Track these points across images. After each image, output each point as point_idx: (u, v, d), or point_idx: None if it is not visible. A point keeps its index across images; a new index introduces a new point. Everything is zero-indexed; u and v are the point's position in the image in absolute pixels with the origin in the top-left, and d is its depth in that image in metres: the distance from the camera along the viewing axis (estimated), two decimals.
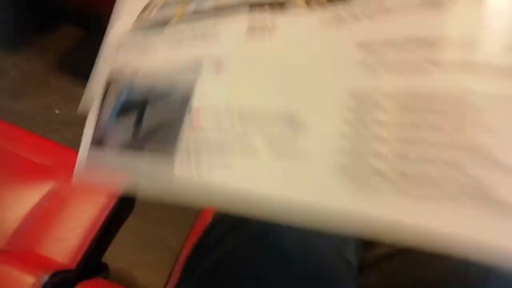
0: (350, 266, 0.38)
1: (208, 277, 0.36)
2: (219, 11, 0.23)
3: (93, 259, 0.64)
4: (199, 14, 0.24)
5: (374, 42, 0.18)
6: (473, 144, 0.16)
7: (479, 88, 0.16)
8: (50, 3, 1.44)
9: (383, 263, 0.41)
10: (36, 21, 1.51)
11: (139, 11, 0.27)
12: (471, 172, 0.16)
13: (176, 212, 1.19)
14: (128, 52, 0.26)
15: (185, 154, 0.19)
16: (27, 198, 0.64)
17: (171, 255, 0.48)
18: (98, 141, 0.24)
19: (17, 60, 1.41)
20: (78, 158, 0.26)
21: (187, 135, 0.20)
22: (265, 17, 0.21)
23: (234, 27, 0.22)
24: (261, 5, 0.21)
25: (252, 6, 0.22)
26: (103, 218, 0.65)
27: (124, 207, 0.70)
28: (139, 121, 0.22)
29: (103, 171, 0.24)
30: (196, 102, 0.20)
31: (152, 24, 0.26)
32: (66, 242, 0.61)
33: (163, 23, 0.25)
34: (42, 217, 0.63)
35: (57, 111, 1.31)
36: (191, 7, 0.24)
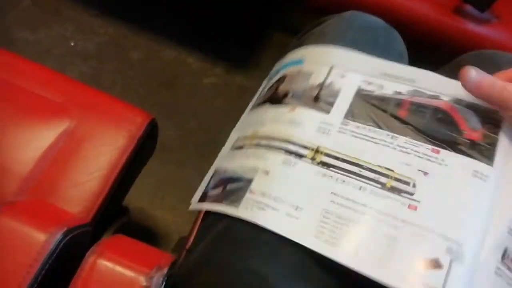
0: None
1: (220, 239, 0.42)
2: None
3: (113, 204, 0.60)
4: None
5: None
6: None
7: None
8: None
9: None
10: None
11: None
12: None
13: (196, 153, 1.14)
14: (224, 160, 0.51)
15: (244, 204, 0.42)
16: (40, 139, 0.58)
17: (191, 195, 0.48)
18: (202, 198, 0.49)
19: None
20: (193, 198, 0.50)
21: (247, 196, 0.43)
22: (291, 159, 0.46)
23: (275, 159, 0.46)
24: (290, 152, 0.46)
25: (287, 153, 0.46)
26: (123, 160, 0.59)
27: (145, 148, 0.64)
28: (224, 189, 0.46)
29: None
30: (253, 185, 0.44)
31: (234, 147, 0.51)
32: (83, 186, 0.57)
33: (238, 147, 0.50)
34: (56, 160, 0.58)
35: (72, 43, 1.22)
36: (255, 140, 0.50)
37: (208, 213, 0.46)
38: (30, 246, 0.39)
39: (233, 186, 0.44)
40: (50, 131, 0.59)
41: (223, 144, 0.51)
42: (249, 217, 0.40)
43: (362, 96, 0.47)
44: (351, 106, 0.46)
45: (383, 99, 0.46)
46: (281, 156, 0.44)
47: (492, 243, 0.37)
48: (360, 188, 0.41)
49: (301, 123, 0.46)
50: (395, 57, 0.54)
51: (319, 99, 0.48)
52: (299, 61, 0.53)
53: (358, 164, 0.42)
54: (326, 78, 0.50)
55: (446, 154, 0.42)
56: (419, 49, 0.69)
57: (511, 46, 0.87)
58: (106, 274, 0.39)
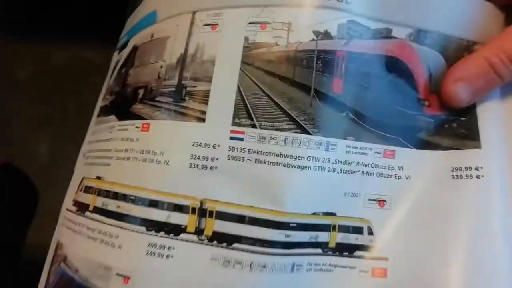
0: None
1: None
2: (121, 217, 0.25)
3: None
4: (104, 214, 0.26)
5: None
6: None
7: None
8: None
9: None
10: None
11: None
12: None
13: None
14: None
15: None
16: None
17: None
18: None
19: None
20: None
21: None
22: (164, 240, 0.24)
23: (135, 244, 0.24)
24: (159, 228, 0.24)
25: (150, 228, 0.24)
26: None
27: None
28: None
29: None
30: None
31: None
32: None
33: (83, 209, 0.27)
34: None
35: None
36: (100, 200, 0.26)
37: None
38: None
39: None
40: None
41: None
42: None
43: (254, 60, 0.25)
44: (240, 92, 0.25)
45: (296, 59, 0.25)
46: (144, 240, 0.25)
47: None
48: (293, 268, 0.24)
49: (163, 153, 0.25)
50: None
51: (182, 92, 0.26)
52: (151, 17, 0.27)
53: (283, 223, 0.24)
54: (188, 39, 0.26)
55: (406, 155, 0.25)
56: None
57: None
58: None
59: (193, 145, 0.24)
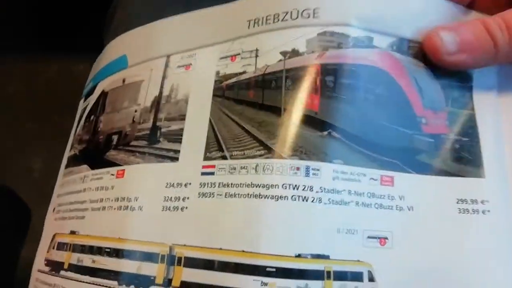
0: None
1: None
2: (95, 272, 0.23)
3: None
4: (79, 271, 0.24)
5: None
6: None
7: None
8: None
9: None
10: None
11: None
12: None
13: None
14: None
15: None
16: None
17: None
18: None
19: None
20: None
21: None
22: None
23: None
24: (130, 281, 0.22)
25: (121, 282, 0.22)
26: None
27: None
28: None
29: None
30: None
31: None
32: None
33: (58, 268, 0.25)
34: None
35: None
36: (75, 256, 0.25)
37: None
38: None
39: None
40: None
41: None
42: None
43: (224, 92, 0.24)
44: (211, 125, 0.23)
45: (264, 82, 0.23)
46: None
47: None
48: None
49: (138, 198, 0.23)
50: None
51: (157, 134, 0.25)
52: (122, 62, 0.29)
53: (258, 268, 0.20)
54: (163, 81, 0.25)
55: (406, 181, 0.20)
56: None
57: None
58: None
59: (166, 187, 0.23)
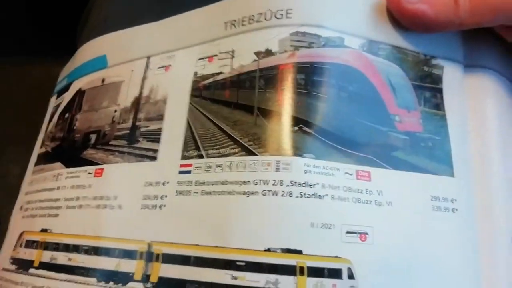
0: None
1: None
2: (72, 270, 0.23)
3: None
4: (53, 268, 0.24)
5: None
6: None
7: None
8: None
9: None
10: None
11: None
12: None
13: None
14: None
15: None
16: None
17: None
18: None
19: None
20: None
21: None
22: None
23: None
24: (108, 278, 0.22)
25: (100, 279, 0.22)
26: None
27: None
28: None
29: None
30: None
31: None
32: None
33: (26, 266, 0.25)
34: None
35: None
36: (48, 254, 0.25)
37: None
38: None
39: None
40: None
41: None
42: None
43: (201, 92, 0.25)
44: (189, 124, 0.23)
45: (239, 82, 0.24)
46: None
47: None
48: None
49: (117, 197, 0.24)
50: None
51: (136, 134, 0.25)
52: (101, 62, 0.29)
53: (229, 262, 0.20)
54: (143, 82, 0.26)
55: (383, 177, 0.21)
56: None
57: None
58: None
59: (145, 185, 0.23)
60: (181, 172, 0.23)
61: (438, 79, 0.23)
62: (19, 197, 0.30)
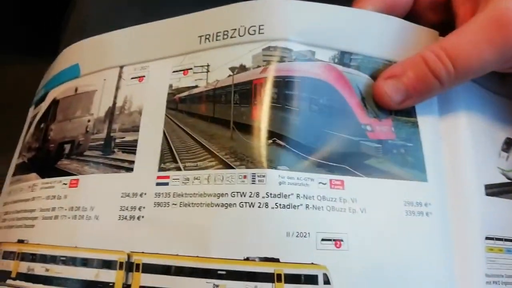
0: None
1: None
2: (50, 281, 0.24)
3: None
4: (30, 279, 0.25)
5: None
6: None
7: None
8: None
9: None
10: None
11: None
12: None
13: None
14: None
15: None
16: None
17: None
18: None
19: None
20: None
21: None
22: None
23: None
24: None
25: None
26: None
27: None
28: None
29: None
30: None
31: None
32: None
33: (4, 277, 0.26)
34: None
35: None
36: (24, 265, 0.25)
37: None
38: None
39: None
40: None
41: None
42: None
43: (178, 105, 0.25)
44: (165, 137, 0.24)
45: (215, 96, 0.25)
46: None
47: None
48: None
49: (93, 208, 0.24)
50: None
51: (111, 145, 0.26)
52: (74, 71, 0.29)
53: (210, 271, 0.22)
54: (116, 92, 0.26)
55: (357, 185, 0.23)
56: None
57: None
58: None
59: (122, 196, 0.24)
60: (158, 184, 0.24)
61: None
62: None
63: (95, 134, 0.27)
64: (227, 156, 0.23)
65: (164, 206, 0.23)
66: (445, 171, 0.24)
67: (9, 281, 0.25)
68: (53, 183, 0.26)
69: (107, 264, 0.23)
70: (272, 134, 0.23)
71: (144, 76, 0.27)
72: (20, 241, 0.26)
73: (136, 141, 0.25)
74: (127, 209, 0.24)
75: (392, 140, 0.24)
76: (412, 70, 0.23)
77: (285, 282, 0.21)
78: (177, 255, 0.22)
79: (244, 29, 0.25)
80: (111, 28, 0.28)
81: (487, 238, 0.24)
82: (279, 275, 0.21)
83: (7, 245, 0.27)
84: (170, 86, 0.26)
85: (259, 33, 0.24)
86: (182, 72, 0.26)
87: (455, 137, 0.25)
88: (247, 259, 0.21)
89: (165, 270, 0.22)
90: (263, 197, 0.22)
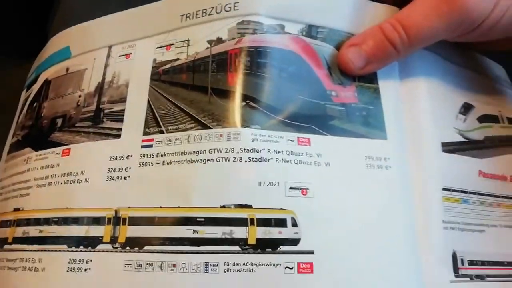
0: None
1: None
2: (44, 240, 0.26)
3: None
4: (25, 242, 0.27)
5: None
6: None
7: None
8: None
9: None
10: None
11: None
12: None
13: None
14: None
15: None
16: None
17: None
18: None
19: None
20: None
21: None
22: (82, 254, 0.25)
23: (57, 263, 0.25)
24: (79, 243, 0.25)
25: (71, 245, 0.25)
26: None
27: None
28: None
29: None
30: None
31: None
32: None
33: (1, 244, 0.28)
34: None
35: None
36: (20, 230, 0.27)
37: None
38: None
39: None
40: None
41: None
42: None
43: (161, 76, 0.28)
44: (150, 105, 0.27)
45: (195, 67, 0.28)
46: (66, 257, 0.26)
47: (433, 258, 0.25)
48: (207, 268, 0.23)
49: (84, 172, 0.27)
50: None
51: (101, 115, 0.29)
52: (65, 52, 0.32)
53: (190, 219, 0.24)
54: (105, 69, 0.29)
55: (322, 142, 0.25)
56: None
57: None
58: None
59: (109, 160, 0.27)
60: (143, 147, 0.27)
61: None
62: None
63: (86, 107, 0.30)
64: (205, 118, 0.26)
65: (149, 166, 0.26)
66: (404, 130, 0.27)
67: (6, 246, 0.28)
68: (46, 154, 0.29)
69: (97, 221, 0.26)
70: (245, 97, 0.26)
71: (131, 54, 0.30)
72: (16, 210, 0.28)
73: (123, 110, 0.28)
74: (114, 171, 0.26)
75: (355, 103, 0.27)
76: (372, 38, 0.27)
77: (258, 226, 0.24)
78: (160, 207, 0.25)
79: (221, 7, 0.28)
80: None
81: (444, 189, 0.27)
82: (252, 220, 0.24)
83: (3, 215, 0.29)
84: (154, 60, 0.29)
85: (233, 9, 0.28)
86: (165, 47, 0.29)
87: (414, 101, 0.28)
88: (223, 206, 0.24)
89: (149, 221, 0.25)
90: (237, 152, 0.25)
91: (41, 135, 0.31)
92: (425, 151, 0.27)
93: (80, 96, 0.30)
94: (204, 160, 0.25)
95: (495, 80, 0.35)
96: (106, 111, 0.29)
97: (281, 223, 0.24)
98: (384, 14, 0.29)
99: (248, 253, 0.23)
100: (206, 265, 0.23)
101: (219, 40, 0.28)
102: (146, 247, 0.24)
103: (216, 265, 0.23)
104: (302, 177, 0.24)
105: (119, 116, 0.28)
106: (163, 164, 0.25)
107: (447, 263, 0.25)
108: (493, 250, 0.28)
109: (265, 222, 0.24)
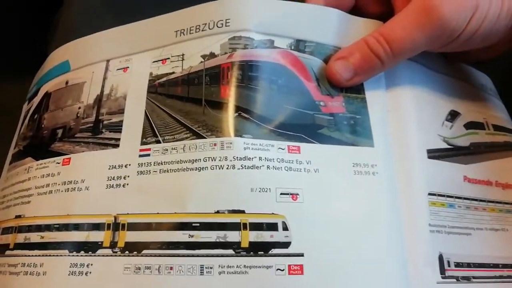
0: None
1: None
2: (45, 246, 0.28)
3: None
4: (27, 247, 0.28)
5: None
6: None
7: None
8: None
9: None
10: None
11: None
12: None
13: None
14: None
15: None
16: None
17: None
18: None
19: None
20: None
21: None
22: (83, 258, 0.26)
23: (58, 267, 0.26)
24: (79, 247, 0.27)
25: (71, 249, 0.27)
26: None
27: None
28: None
29: None
30: None
31: None
32: None
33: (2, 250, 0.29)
34: None
35: None
36: (21, 236, 0.29)
37: None
38: None
39: None
40: None
41: None
42: None
43: (157, 89, 0.31)
44: (147, 116, 0.29)
45: (189, 80, 0.30)
46: (67, 261, 0.27)
47: (420, 260, 0.27)
48: (202, 270, 0.25)
49: (84, 180, 0.29)
50: None
51: (100, 126, 0.31)
52: (64, 66, 0.34)
53: (186, 224, 0.26)
54: (104, 82, 0.31)
55: (311, 150, 0.27)
56: None
57: None
58: None
59: (109, 168, 0.29)
60: (141, 156, 0.29)
61: None
62: None
63: (85, 118, 0.32)
64: (199, 128, 0.28)
65: (146, 174, 0.28)
66: (391, 138, 0.29)
67: (7, 252, 0.29)
68: (47, 163, 0.31)
69: (96, 226, 0.28)
70: (237, 109, 0.28)
71: (128, 67, 0.32)
72: (17, 217, 0.30)
73: (121, 121, 0.30)
74: (113, 179, 0.28)
75: (343, 113, 0.29)
76: (358, 52, 0.29)
77: (250, 230, 0.25)
78: (157, 213, 0.27)
79: (213, 23, 0.30)
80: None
81: (429, 194, 0.29)
82: (244, 224, 0.26)
83: (5, 223, 0.31)
84: (151, 73, 0.31)
85: (225, 26, 0.30)
86: (161, 61, 0.31)
87: (400, 110, 0.30)
88: (217, 212, 0.26)
89: (147, 227, 0.27)
90: (230, 160, 0.27)
91: (41, 145, 0.33)
92: (411, 157, 0.29)
93: (79, 108, 0.32)
94: (199, 168, 0.27)
95: (481, 89, 0.38)
96: (105, 122, 0.31)
97: (272, 227, 0.26)
98: (369, 28, 0.31)
99: (241, 256, 0.25)
100: (202, 267, 0.25)
101: (212, 55, 0.30)
102: (145, 251, 0.26)
103: (211, 268, 0.25)
104: (292, 183, 0.26)
105: (117, 127, 0.30)
106: (160, 173, 0.27)
107: (433, 265, 0.27)
108: (479, 252, 0.29)
109: (257, 227, 0.26)
